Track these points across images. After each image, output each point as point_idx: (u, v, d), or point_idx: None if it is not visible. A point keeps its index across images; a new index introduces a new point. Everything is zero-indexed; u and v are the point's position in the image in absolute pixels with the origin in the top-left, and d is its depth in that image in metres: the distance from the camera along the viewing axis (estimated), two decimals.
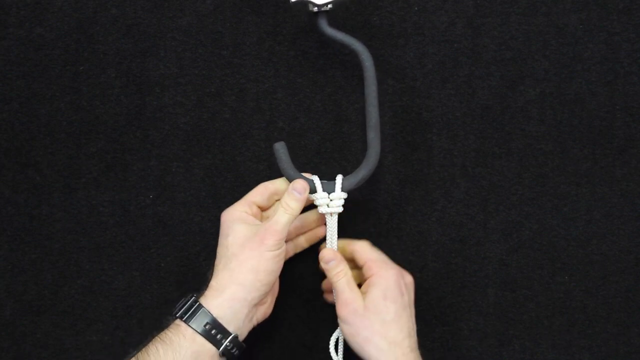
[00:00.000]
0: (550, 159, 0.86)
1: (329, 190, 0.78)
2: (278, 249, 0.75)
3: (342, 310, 0.76)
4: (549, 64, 0.86)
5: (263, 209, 0.80)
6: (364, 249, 0.80)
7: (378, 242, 0.85)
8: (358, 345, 0.75)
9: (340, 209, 0.79)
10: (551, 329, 0.85)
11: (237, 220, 0.77)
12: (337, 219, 0.79)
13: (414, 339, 0.76)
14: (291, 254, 0.83)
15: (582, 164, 0.86)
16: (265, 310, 0.78)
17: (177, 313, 0.74)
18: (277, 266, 0.75)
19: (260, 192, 0.79)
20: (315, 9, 0.79)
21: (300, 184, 0.77)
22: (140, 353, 0.72)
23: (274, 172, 0.86)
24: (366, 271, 0.78)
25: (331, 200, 0.78)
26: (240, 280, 0.74)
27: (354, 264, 0.81)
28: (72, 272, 0.86)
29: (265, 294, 0.76)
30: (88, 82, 0.87)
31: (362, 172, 0.79)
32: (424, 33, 0.86)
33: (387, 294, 0.75)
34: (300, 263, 0.84)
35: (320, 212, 0.79)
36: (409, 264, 0.85)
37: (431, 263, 0.86)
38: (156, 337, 0.73)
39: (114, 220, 0.86)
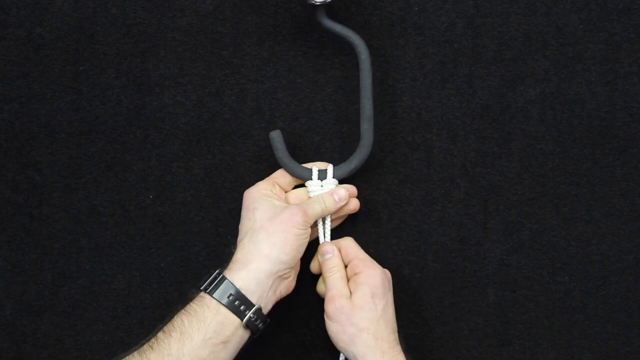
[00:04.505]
0: (550, 159, 0.86)
1: (322, 178, 0.82)
2: (305, 229, 0.77)
3: (329, 307, 0.77)
4: (549, 64, 0.86)
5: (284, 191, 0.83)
6: (350, 247, 0.81)
7: (378, 242, 0.86)
8: (344, 343, 0.76)
9: None
10: (551, 329, 0.85)
11: (264, 197, 0.79)
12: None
13: (396, 334, 0.78)
14: (315, 235, 0.84)
15: (582, 164, 0.86)
16: (288, 284, 0.79)
17: (201, 286, 0.75)
18: (302, 243, 0.77)
19: (283, 174, 0.82)
20: (315, 1, 0.80)
21: (344, 193, 0.80)
22: (165, 326, 0.73)
23: (274, 172, 0.86)
24: (352, 268, 0.80)
25: (322, 187, 0.81)
26: (267, 253, 0.75)
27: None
28: (72, 272, 0.86)
29: (290, 269, 0.77)
30: (88, 82, 0.87)
31: (354, 162, 0.82)
32: (424, 33, 0.86)
33: (375, 292, 0.77)
34: (300, 263, 0.84)
35: None
36: (408, 264, 0.85)
37: (431, 263, 0.86)
38: (181, 310, 0.74)
39: (114, 220, 0.86)
